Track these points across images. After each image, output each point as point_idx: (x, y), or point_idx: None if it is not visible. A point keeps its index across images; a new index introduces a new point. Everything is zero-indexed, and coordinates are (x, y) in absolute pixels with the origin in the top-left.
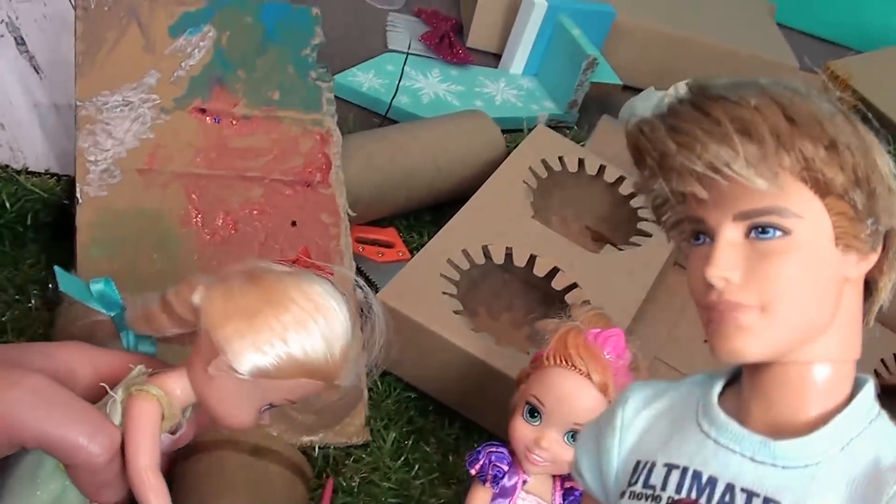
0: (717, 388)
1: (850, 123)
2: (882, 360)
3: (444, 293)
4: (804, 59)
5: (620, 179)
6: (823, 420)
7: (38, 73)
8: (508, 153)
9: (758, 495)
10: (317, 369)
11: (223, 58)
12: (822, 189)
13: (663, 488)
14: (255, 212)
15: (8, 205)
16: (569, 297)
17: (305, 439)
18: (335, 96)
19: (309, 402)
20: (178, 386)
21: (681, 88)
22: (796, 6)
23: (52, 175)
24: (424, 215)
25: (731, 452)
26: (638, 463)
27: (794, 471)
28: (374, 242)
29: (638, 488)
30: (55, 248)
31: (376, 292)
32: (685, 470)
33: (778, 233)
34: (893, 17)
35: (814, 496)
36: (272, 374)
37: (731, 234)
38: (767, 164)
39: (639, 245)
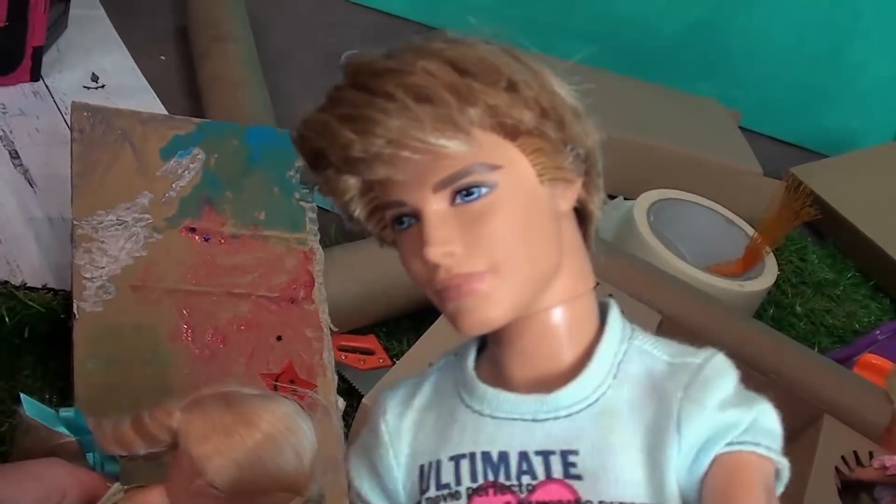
0: (470, 363)
1: (516, 58)
2: (843, 458)
3: None
4: (769, 164)
5: None
6: (586, 356)
7: (32, 186)
8: None
9: (553, 452)
10: (289, 482)
11: (212, 179)
12: (512, 131)
13: (458, 482)
14: (242, 327)
15: (7, 319)
16: None
17: None
18: (318, 206)
19: None
20: (158, 503)
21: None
22: (760, 111)
23: (49, 290)
24: (403, 322)
25: (511, 422)
26: (422, 468)
27: (579, 414)
28: (355, 350)
29: (432, 492)
30: (50, 359)
31: (360, 399)
32: (472, 455)
33: (484, 189)
34: (850, 122)
35: (608, 429)
36: (248, 488)
37: (436, 207)
38: (456, 125)
39: None
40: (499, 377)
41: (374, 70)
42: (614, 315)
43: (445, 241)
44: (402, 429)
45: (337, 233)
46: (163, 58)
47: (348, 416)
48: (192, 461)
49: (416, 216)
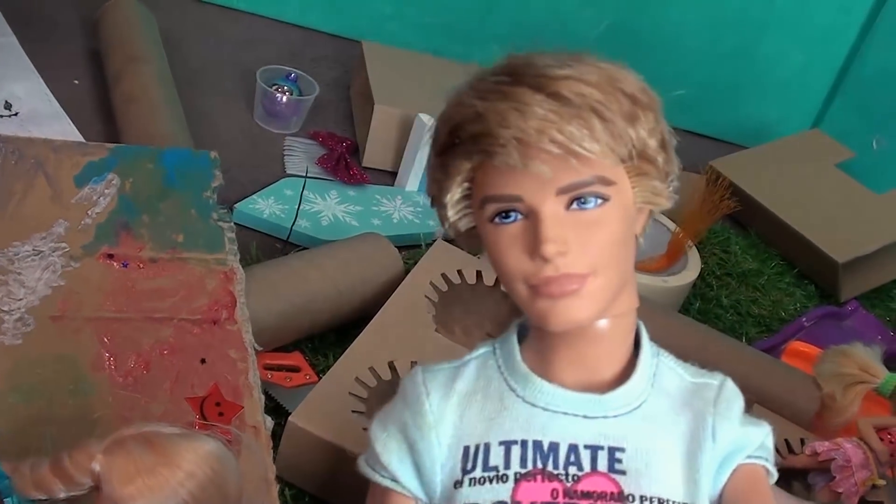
0: (517, 354)
1: (644, 89)
2: (775, 446)
3: (353, 411)
4: (690, 158)
5: None
6: (629, 365)
7: None
8: (407, 270)
9: (601, 447)
10: None
11: (128, 204)
12: (632, 154)
13: (507, 466)
14: (165, 352)
15: None
16: None
17: None
18: (237, 224)
19: None
20: None
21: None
22: (678, 107)
23: None
24: (328, 337)
25: (564, 415)
26: (467, 449)
27: (626, 416)
28: (281, 368)
29: (478, 473)
30: None
31: (287, 417)
32: (524, 443)
33: (599, 201)
34: (768, 114)
35: (651, 433)
36: None
37: (554, 209)
38: (615, 142)
39: None
40: (546, 369)
41: (549, 74)
42: (645, 334)
43: (561, 241)
44: (447, 409)
45: (258, 250)
46: (76, 82)
47: (276, 436)
48: None
49: (529, 214)
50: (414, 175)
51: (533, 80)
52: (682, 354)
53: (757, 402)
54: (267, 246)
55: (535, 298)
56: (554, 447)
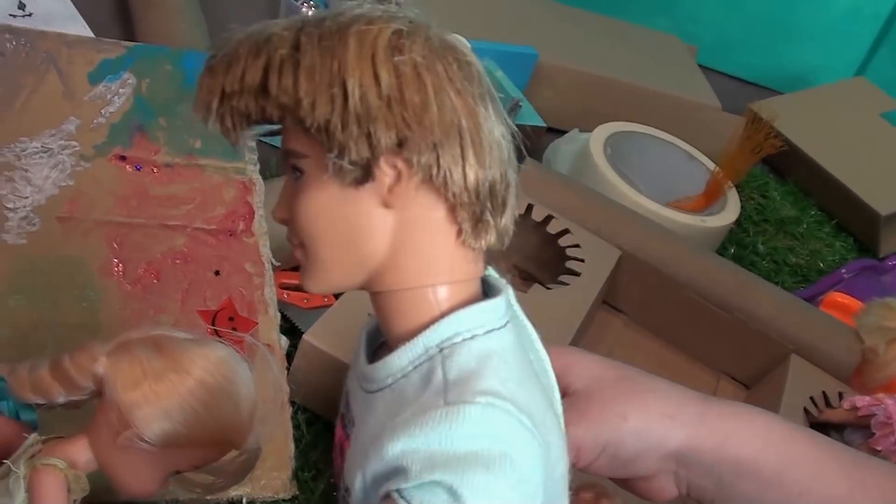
0: (373, 322)
1: (313, 46)
2: (811, 399)
3: None
4: (727, 101)
5: (548, 218)
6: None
7: None
8: None
9: (355, 415)
10: (225, 434)
11: (144, 105)
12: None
13: (341, 408)
14: (177, 261)
15: None
16: None
17: (233, 494)
18: (258, 139)
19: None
20: (81, 456)
21: None
22: (717, 49)
23: None
24: None
25: (354, 377)
26: None
27: (370, 395)
28: (298, 288)
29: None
30: None
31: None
32: (345, 392)
33: (298, 173)
34: (810, 59)
35: (368, 421)
36: (181, 441)
37: (289, 175)
38: (205, 109)
39: (567, 284)
40: None
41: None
42: (453, 319)
43: (278, 209)
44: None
45: (278, 165)
46: None
47: (290, 358)
48: (120, 411)
49: None
50: None
51: None
52: (718, 297)
53: (795, 352)
54: None
55: None
56: (347, 395)
